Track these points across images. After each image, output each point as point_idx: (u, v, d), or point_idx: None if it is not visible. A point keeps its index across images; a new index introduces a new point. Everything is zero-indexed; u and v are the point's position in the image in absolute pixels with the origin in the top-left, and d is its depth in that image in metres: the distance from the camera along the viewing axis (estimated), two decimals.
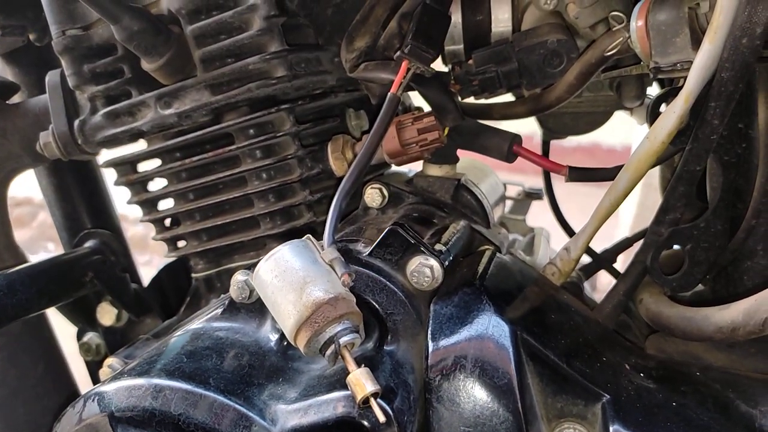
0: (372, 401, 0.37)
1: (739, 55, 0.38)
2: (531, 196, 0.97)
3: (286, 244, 0.42)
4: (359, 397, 0.37)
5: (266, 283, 0.41)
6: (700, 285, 0.57)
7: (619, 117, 0.76)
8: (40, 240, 3.76)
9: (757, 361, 0.48)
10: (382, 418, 0.38)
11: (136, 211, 0.65)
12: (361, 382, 0.36)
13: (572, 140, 0.68)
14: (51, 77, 0.62)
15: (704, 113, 0.43)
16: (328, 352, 0.38)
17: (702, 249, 0.52)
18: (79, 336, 0.72)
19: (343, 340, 0.38)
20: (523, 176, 1.08)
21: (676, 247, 0.53)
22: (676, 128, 0.45)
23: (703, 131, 0.44)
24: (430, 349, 0.47)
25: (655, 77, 0.49)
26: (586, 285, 0.77)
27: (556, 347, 0.48)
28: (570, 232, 0.78)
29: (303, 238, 0.44)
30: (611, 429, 0.43)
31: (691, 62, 0.43)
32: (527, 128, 0.69)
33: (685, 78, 0.45)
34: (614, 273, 0.70)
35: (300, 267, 0.41)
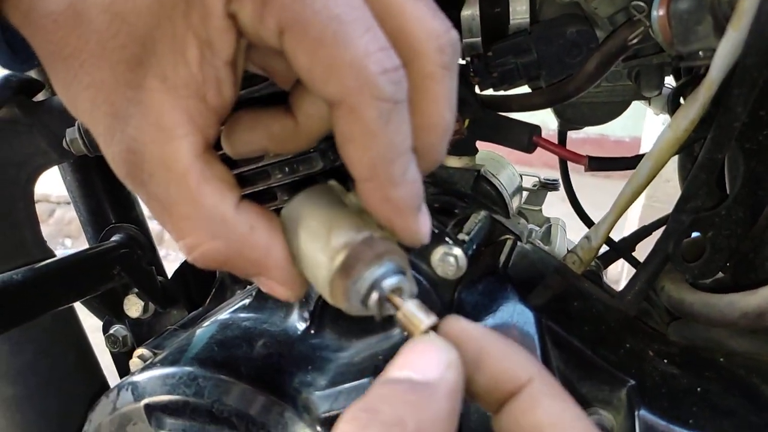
0: (432, 334, 0.30)
1: (765, 40, 0.39)
2: (547, 186, 0.97)
3: (305, 190, 0.35)
4: (415, 333, 0.30)
5: (290, 236, 0.33)
6: (719, 273, 0.57)
7: (628, 109, 0.76)
8: (57, 237, 3.80)
9: None
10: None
11: None
12: (416, 317, 0.30)
13: (580, 132, 0.68)
14: None
15: (727, 101, 0.43)
16: (372, 301, 0.30)
17: (723, 236, 0.52)
18: (105, 328, 0.73)
19: (387, 283, 0.30)
20: (531, 169, 1.09)
21: (694, 235, 0.54)
22: (699, 116, 0.45)
23: (726, 118, 0.44)
24: None
25: (676, 66, 0.50)
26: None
27: (580, 334, 0.49)
28: (588, 221, 0.78)
29: (325, 182, 0.36)
30: (637, 414, 0.43)
31: (714, 50, 0.43)
32: (535, 120, 0.69)
33: (707, 66, 0.45)
34: (633, 262, 0.70)
35: (325, 210, 0.33)
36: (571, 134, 0.93)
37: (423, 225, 0.30)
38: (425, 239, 0.31)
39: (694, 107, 0.45)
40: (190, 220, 0.28)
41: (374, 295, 0.31)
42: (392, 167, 0.27)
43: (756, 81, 0.41)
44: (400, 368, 0.25)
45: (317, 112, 0.32)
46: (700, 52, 0.45)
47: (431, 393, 0.24)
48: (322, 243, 0.32)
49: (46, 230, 0.70)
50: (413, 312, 0.30)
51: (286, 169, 0.58)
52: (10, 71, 0.65)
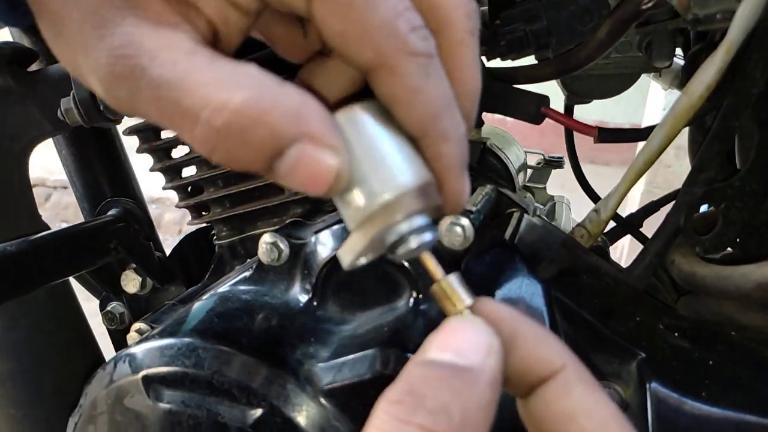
0: (467, 314, 0.29)
1: None
2: (551, 164, 0.96)
3: (362, 101, 0.30)
4: (452, 311, 0.29)
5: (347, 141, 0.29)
6: (729, 247, 0.56)
7: (628, 95, 0.74)
8: (54, 221, 3.79)
9: None
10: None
11: (149, 192, 0.64)
12: (456, 294, 0.28)
13: (579, 118, 0.66)
14: None
15: (745, 64, 0.42)
16: (404, 250, 0.28)
17: (736, 208, 0.51)
18: (102, 305, 0.72)
19: (427, 238, 0.28)
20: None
21: (703, 208, 0.52)
22: (715, 81, 0.44)
23: (744, 84, 0.43)
24: None
25: (695, 30, 0.48)
26: None
27: (589, 307, 0.47)
28: (594, 196, 0.77)
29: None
30: (649, 387, 0.42)
31: (733, 11, 0.41)
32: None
33: (723, 31, 0.44)
34: (640, 237, 0.69)
35: (387, 132, 0.29)
36: None
37: (467, 186, 0.29)
38: (466, 202, 0.30)
39: (710, 71, 0.44)
40: (210, 82, 0.24)
41: (412, 244, 0.28)
42: (441, 121, 0.27)
43: None
44: (441, 349, 0.25)
45: (337, 82, 0.31)
46: (718, 15, 0.43)
47: (475, 380, 0.24)
48: (379, 167, 0.28)
49: (42, 215, 0.69)
50: (454, 288, 0.29)
51: None
52: (7, 25, 0.64)
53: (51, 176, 3.91)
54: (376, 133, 0.29)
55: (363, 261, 0.30)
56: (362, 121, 0.29)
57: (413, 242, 0.28)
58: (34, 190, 0.69)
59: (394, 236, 0.28)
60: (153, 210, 3.43)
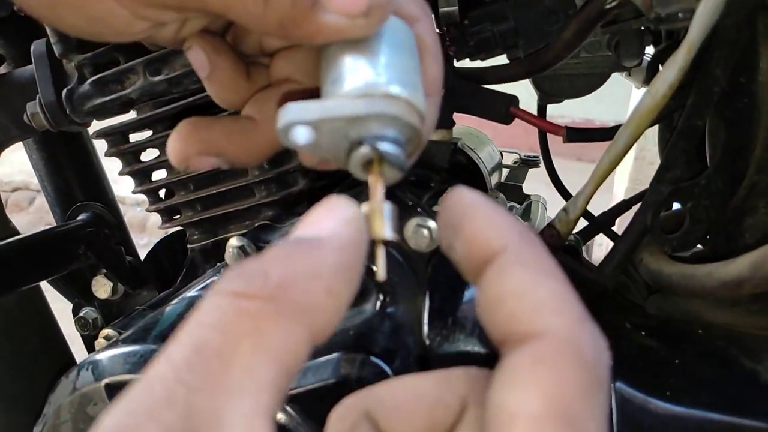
0: (379, 250, 0.27)
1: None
2: (528, 163, 0.96)
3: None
4: (373, 234, 0.27)
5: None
6: (698, 245, 0.56)
7: (613, 93, 0.74)
8: (38, 224, 3.74)
9: (759, 318, 0.48)
10: (382, 276, 0.28)
11: (135, 195, 0.64)
12: (380, 221, 0.27)
13: (565, 115, 0.67)
14: (36, 46, 0.61)
15: (707, 64, 0.42)
16: (358, 155, 0.27)
17: (703, 207, 0.51)
18: (75, 311, 0.71)
19: (386, 149, 0.27)
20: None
21: (676, 206, 0.53)
22: (678, 80, 0.44)
23: (706, 83, 0.43)
24: (429, 311, 0.46)
25: (656, 29, 0.48)
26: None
27: None
28: (567, 195, 0.77)
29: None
30: (613, 386, 0.42)
31: (693, 10, 0.41)
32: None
33: (686, 29, 0.44)
34: (612, 236, 0.69)
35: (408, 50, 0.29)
36: (555, 118, 0.92)
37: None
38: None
39: (672, 71, 0.44)
40: None
41: (363, 151, 0.27)
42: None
43: (735, 42, 0.40)
44: (301, 229, 0.24)
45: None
46: (680, 14, 0.44)
47: (313, 247, 0.23)
48: (399, 68, 0.28)
49: (26, 218, 0.68)
50: (382, 215, 0.27)
51: (273, 187, 0.57)
52: None
53: (34, 180, 3.88)
54: (407, 48, 0.29)
55: (307, 140, 0.28)
56: (396, 29, 0.29)
57: (381, 147, 0.27)
58: (18, 194, 0.69)
59: (365, 130, 0.27)
60: (137, 213, 3.40)
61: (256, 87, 0.37)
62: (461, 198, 0.26)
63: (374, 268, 0.27)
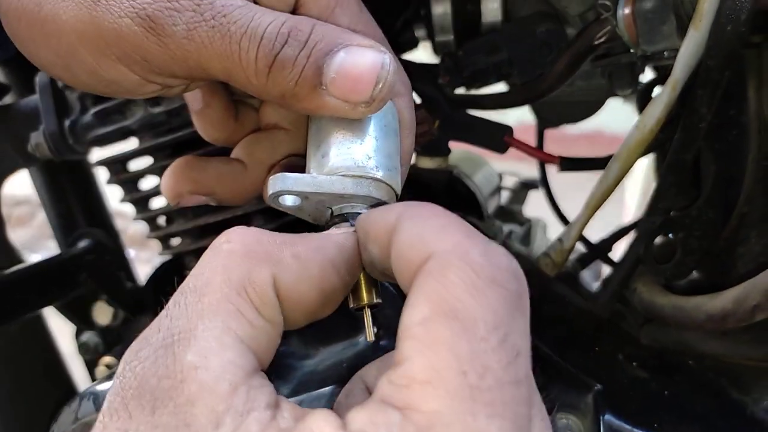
0: (366, 315, 0.32)
1: (725, 41, 0.38)
2: (527, 186, 0.96)
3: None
4: (355, 303, 0.31)
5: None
6: (695, 273, 0.57)
7: (623, 105, 0.75)
8: (40, 239, 3.76)
9: (749, 348, 0.48)
10: (371, 337, 0.33)
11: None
12: (367, 287, 0.31)
13: (574, 128, 0.68)
14: (41, 77, 0.62)
15: (691, 101, 0.43)
16: (339, 227, 0.32)
17: (694, 237, 0.51)
18: (77, 336, 0.72)
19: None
20: (521, 164, 1.07)
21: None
22: (664, 116, 0.45)
23: (692, 119, 0.44)
24: None
25: (643, 65, 0.49)
26: (588, 273, 0.77)
27: (548, 338, 0.48)
28: (565, 221, 0.78)
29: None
30: (602, 419, 0.43)
31: (678, 50, 0.42)
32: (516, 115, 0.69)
33: (672, 67, 0.45)
34: (610, 262, 0.70)
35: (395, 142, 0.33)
36: (567, 129, 0.92)
37: None
38: None
39: (659, 107, 0.44)
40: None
41: (344, 225, 0.32)
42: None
43: (719, 82, 0.40)
44: None
45: (266, 157, 0.38)
46: (665, 52, 0.44)
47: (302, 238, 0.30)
48: (388, 152, 0.32)
49: (29, 233, 0.69)
50: (364, 282, 0.32)
51: (270, 215, 0.58)
52: None
53: (36, 195, 3.89)
54: (392, 128, 0.33)
55: (292, 203, 0.33)
56: (384, 109, 0.32)
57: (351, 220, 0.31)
58: (20, 208, 0.70)
59: (348, 207, 0.31)
60: (139, 227, 3.40)
61: (243, 127, 0.39)
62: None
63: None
